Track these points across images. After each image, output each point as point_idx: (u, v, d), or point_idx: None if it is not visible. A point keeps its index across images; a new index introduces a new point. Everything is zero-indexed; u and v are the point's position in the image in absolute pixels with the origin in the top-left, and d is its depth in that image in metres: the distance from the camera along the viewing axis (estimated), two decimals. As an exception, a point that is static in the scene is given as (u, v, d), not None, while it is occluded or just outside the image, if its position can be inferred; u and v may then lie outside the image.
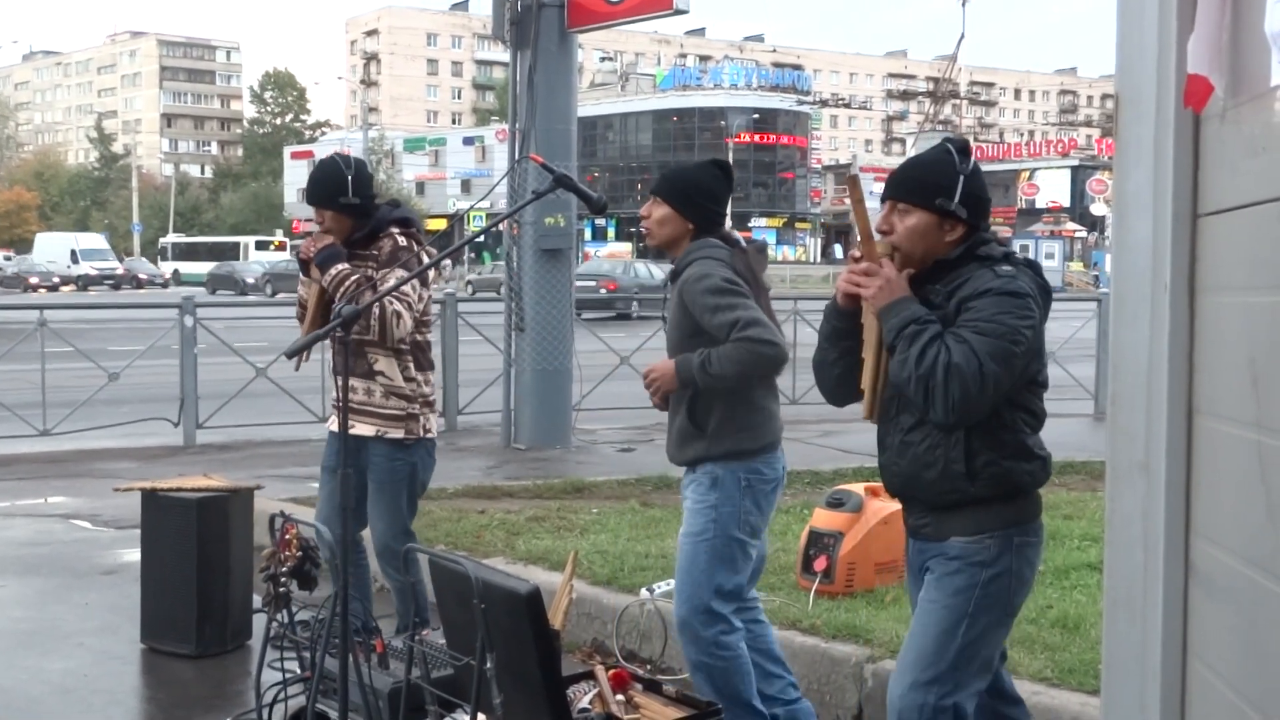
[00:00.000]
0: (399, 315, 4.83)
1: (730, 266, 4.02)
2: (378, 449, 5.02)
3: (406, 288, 4.84)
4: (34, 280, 60.29)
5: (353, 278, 4.90)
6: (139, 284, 62.47)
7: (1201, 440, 1.75)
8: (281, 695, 4.18)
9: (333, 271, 4.93)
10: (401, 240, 5.01)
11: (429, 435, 5.13)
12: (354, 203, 4.97)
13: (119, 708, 5.09)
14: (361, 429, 5.00)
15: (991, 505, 3.24)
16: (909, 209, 3.27)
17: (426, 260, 5.09)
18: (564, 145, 11.09)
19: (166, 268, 69.88)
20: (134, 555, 6.53)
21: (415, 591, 5.12)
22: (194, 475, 6.33)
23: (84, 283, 61.72)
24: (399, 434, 5.02)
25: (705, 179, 4.16)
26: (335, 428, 5.14)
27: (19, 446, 11.25)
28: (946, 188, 3.24)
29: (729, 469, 4.03)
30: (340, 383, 3.75)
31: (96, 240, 71.59)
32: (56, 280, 60.27)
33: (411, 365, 5.04)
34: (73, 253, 65.92)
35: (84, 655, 5.65)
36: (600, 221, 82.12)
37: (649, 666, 5.35)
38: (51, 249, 67.75)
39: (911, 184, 3.29)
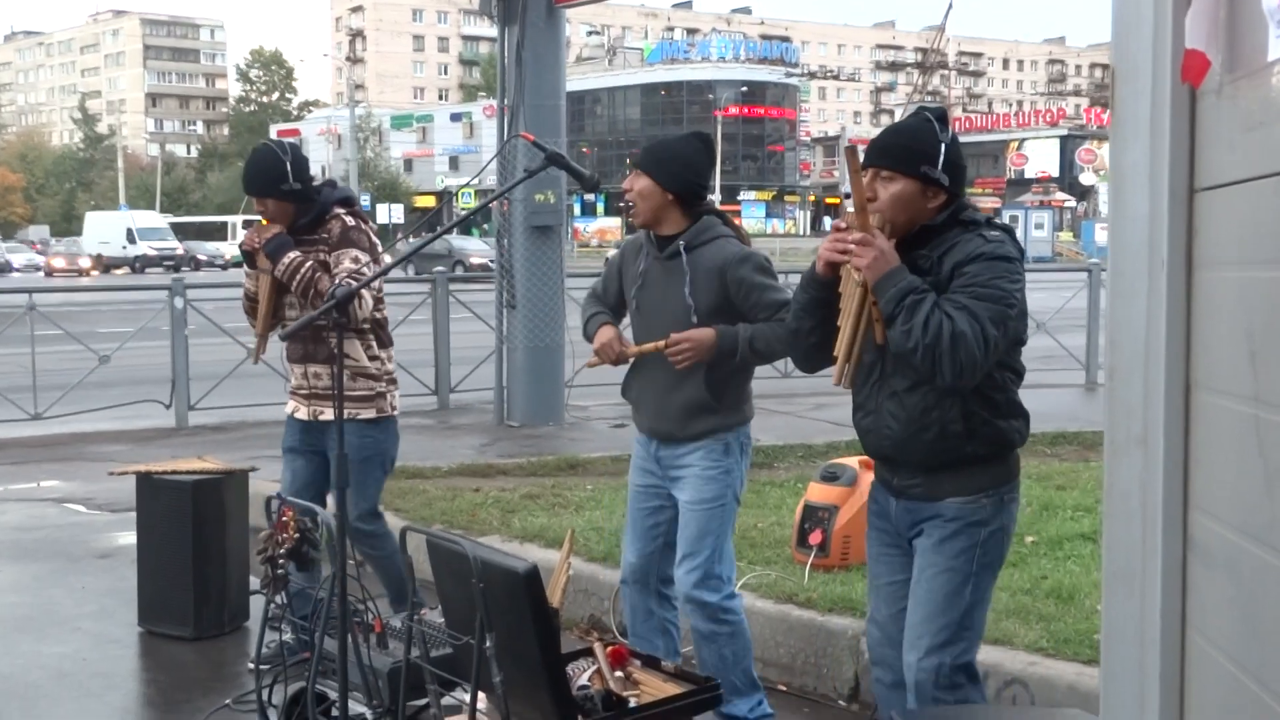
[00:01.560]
0: (360, 296, 4.81)
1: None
2: (347, 429, 5.00)
3: (362, 267, 4.84)
4: (59, 264, 54.61)
5: (308, 264, 4.88)
6: (197, 265, 58.45)
7: (1199, 414, 1.76)
8: (281, 676, 4.20)
9: (285, 260, 4.89)
10: (349, 220, 4.98)
11: (395, 412, 5.15)
12: (295, 188, 4.93)
13: (117, 691, 5.10)
14: (331, 413, 5.00)
15: (986, 464, 3.36)
16: (893, 176, 3.32)
17: (374, 238, 5.07)
18: (553, 122, 11.04)
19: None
20: (129, 538, 6.53)
21: (396, 565, 5.11)
22: (188, 457, 6.33)
23: (141, 265, 57.25)
24: (370, 414, 5.03)
25: (685, 150, 4.19)
26: (298, 414, 5.13)
27: (10, 431, 11.23)
28: (930, 155, 3.31)
29: (736, 435, 4.20)
30: (335, 369, 3.73)
31: (154, 219, 66.35)
32: (85, 262, 55.08)
33: (374, 344, 5.03)
34: (129, 232, 61.20)
35: (81, 639, 5.66)
36: (589, 197, 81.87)
37: (646, 642, 5.38)
38: (105, 229, 62.87)
39: (896, 151, 3.34)
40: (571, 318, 11.84)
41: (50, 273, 53.28)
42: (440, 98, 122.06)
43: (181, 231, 70.92)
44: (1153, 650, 1.79)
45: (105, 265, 60.01)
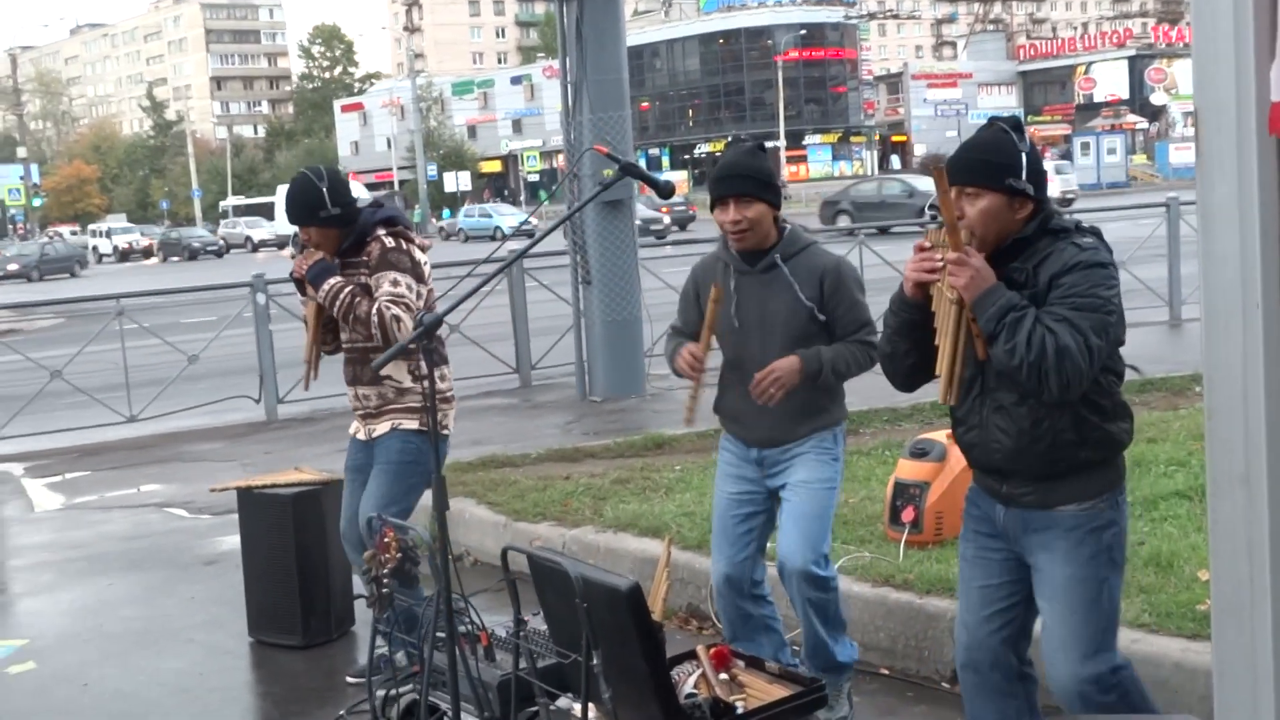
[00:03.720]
0: (398, 319, 4.77)
1: None
2: (390, 438, 5.00)
3: (403, 289, 4.84)
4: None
5: (346, 289, 4.88)
6: None
7: (1303, 458, 1.75)
8: (392, 690, 4.31)
9: (325, 287, 4.91)
10: (389, 241, 4.96)
11: (445, 431, 5.06)
12: (334, 214, 4.95)
13: (235, 705, 5.25)
14: (378, 428, 5.04)
15: (1098, 469, 3.36)
16: (979, 192, 3.28)
17: (419, 255, 5.02)
18: (616, 95, 11.07)
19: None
20: (232, 542, 6.69)
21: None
22: (283, 466, 6.47)
23: None
24: (413, 424, 4.98)
25: (767, 165, 4.31)
26: (359, 435, 5.14)
27: (107, 434, 11.50)
28: (1013, 166, 3.27)
29: (841, 427, 4.44)
30: (426, 388, 3.78)
31: (358, 190, 59.01)
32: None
33: (422, 364, 4.93)
34: None
35: (195, 652, 5.82)
36: (654, 151, 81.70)
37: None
38: None
39: (979, 167, 3.30)
40: (645, 281, 11.87)
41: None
42: (499, 61, 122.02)
43: (255, 213, 71.27)
44: (1266, 685, 1.80)
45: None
